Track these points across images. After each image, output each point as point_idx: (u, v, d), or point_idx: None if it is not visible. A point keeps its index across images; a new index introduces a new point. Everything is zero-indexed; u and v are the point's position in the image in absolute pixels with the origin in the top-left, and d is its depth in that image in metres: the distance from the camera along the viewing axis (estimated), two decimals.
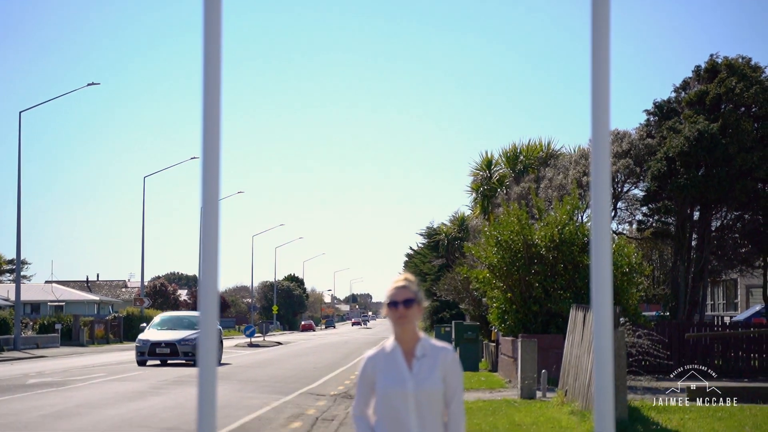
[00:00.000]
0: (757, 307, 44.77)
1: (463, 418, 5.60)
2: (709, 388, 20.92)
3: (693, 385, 22.41)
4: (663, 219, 35.70)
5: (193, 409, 19.83)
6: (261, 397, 23.44)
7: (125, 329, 72.34)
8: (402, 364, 5.56)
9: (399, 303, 5.61)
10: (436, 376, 5.52)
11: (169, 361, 37.21)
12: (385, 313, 5.72)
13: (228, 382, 27.62)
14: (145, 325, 42.24)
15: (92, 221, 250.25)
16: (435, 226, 70.61)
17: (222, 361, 38.84)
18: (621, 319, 25.45)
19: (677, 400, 20.03)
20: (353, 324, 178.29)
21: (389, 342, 5.70)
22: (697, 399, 19.95)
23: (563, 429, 15.19)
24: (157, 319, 41.12)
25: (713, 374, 27.91)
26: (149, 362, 37.18)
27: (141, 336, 38.50)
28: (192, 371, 32.75)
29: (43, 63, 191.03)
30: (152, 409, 20.11)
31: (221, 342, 41.03)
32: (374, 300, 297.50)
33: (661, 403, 19.01)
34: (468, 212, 55.48)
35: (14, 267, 58.95)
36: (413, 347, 5.61)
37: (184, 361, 37.05)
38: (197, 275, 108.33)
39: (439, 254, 64.09)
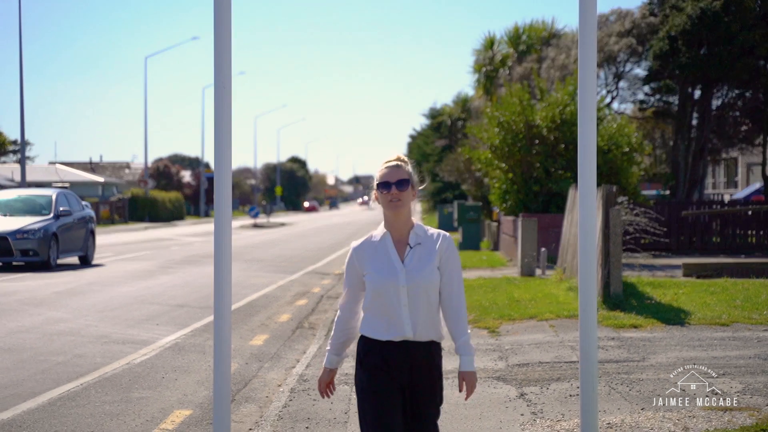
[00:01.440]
0: (757, 185, 45.14)
1: (464, 308, 5.16)
2: (704, 264, 21.44)
3: (689, 261, 22.96)
4: (664, 98, 35.78)
5: (201, 287, 20.44)
6: (267, 276, 24.01)
7: (130, 210, 73.07)
8: (393, 254, 5.09)
9: (391, 184, 5.10)
10: (432, 267, 5.06)
11: (14, 262, 25.59)
12: (375, 196, 5.23)
13: (234, 261, 28.21)
14: None
15: (95, 103, 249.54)
16: (438, 108, 70.61)
17: (95, 262, 27.89)
18: (620, 198, 25.87)
19: (673, 276, 20.56)
20: (361, 204, 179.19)
21: (378, 230, 5.21)
22: (693, 275, 20.46)
23: (560, 304, 15.70)
24: None
25: (709, 251, 28.48)
26: None
27: None
28: (200, 249, 33.37)
29: None
30: (162, 287, 20.67)
31: (91, 233, 27.71)
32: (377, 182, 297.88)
33: (656, 278, 19.53)
34: (471, 93, 55.42)
35: (18, 148, 59.03)
36: (405, 235, 5.13)
37: (23, 263, 25.43)
38: (199, 157, 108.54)
39: (441, 135, 64.23)
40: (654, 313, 14.20)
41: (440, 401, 5.22)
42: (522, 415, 8.54)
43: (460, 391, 5.16)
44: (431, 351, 5.12)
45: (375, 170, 5.24)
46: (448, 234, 5.16)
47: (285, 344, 13.49)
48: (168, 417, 8.89)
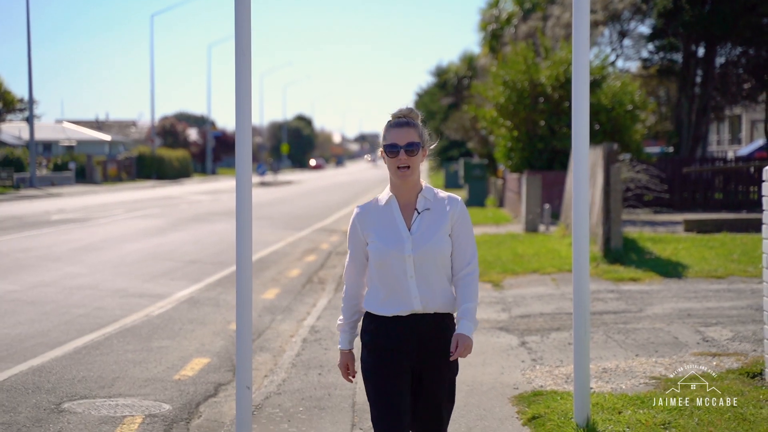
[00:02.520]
0: (760, 142, 45.42)
1: (476, 279, 4.66)
2: (704, 219, 21.84)
3: (690, 216, 23.39)
4: (668, 56, 36.03)
5: (212, 244, 20.92)
6: (276, 233, 24.46)
7: (138, 169, 73.56)
8: (399, 220, 4.59)
9: (400, 148, 4.54)
10: (441, 234, 4.56)
11: None
12: (381, 154, 4.68)
13: None
14: None
15: (101, 61, 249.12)
16: (444, 66, 70.78)
17: None
18: (624, 155, 26.25)
19: (674, 232, 21.00)
20: (369, 161, 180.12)
21: (384, 193, 4.70)
22: (693, 230, 20.88)
23: (562, 258, 16.16)
24: None
25: (712, 207, 28.88)
26: None
27: None
28: (209, 207, 33.87)
29: None
30: (173, 244, 21.16)
31: None
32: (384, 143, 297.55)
33: (657, 234, 19.97)
34: (477, 51, 55.61)
35: (24, 106, 59.39)
36: (413, 199, 4.62)
37: None
38: (205, 115, 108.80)
39: (447, 93, 64.43)
40: (653, 267, 14.66)
41: (453, 377, 4.73)
42: (523, 361, 9.01)
43: (451, 351, 4.56)
44: (443, 324, 4.63)
45: (382, 125, 4.70)
46: (459, 198, 4.65)
47: (296, 298, 13.96)
48: (188, 364, 9.39)
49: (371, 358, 4.63)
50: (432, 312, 4.57)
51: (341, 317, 4.80)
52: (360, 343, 4.76)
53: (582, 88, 5.62)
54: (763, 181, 7.56)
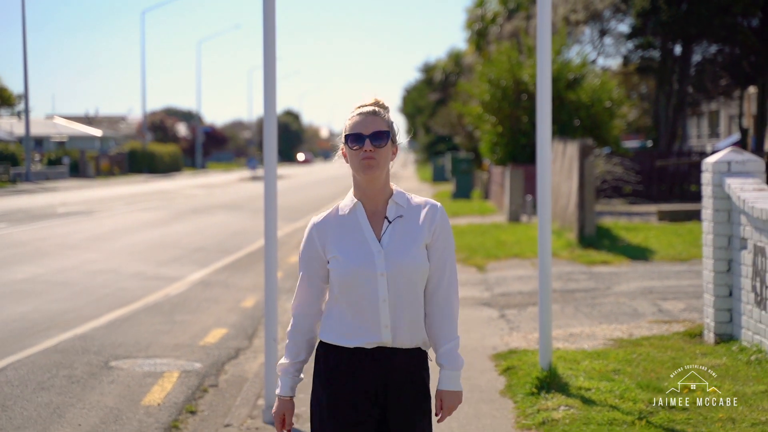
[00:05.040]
0: (734, 137, 46.92)
1: (456, 302, 3.87)
2: (676, 210, 23.26)
3: (663, 207, 24.80)
4: (647, 54, 37.44)
5: (214, 234, 22.28)
6: None
7: (129, 164, 74.73)
8: (367, 230, 3.80)
9: (365, 137, 3.76)
10: (418, 247, 3.78)
11: None
12: (342, 152, 3.87)
13: (240, 211, 30.04)
14: None
15: (91, 56, 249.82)
16: (431, 62, 72.14)
17: None
18: (603, 149, 27.64)
19: (648, 221, 22.40)
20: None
21: (346, 199, 3.88)
22: (666, 219, 22.28)
23: None
24: None
25: (688, 198, 30.30)
26: None
27: None
28: (205, 201, 35.15)
29: None
30: (178, 234, 22.48)
31: None
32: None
33: (632, 223, 21.38)
34: (464, 47, 56.94)
35: (16, 102, 60.51)
36: (383, 206, 3.84)
37: None
38: (193, 110, 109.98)
39: (434, 89, 65.77)
40: (623, 252, 16.07)
41: (428, 427, 3.88)
42: (501, 329, 10.38)
43: (437, 414, 3.88)
44: (415, 362, 3.85)
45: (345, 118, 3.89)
46: (439, 204, 3.88)
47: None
48: (209, 334, 10.74)
49: (325, 393, 3.82)
50: (400, 347, 3.79)
51: (284, 358, 3.90)
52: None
53: (545, 85, 6.97)
54: (703, 171, 8.94)
